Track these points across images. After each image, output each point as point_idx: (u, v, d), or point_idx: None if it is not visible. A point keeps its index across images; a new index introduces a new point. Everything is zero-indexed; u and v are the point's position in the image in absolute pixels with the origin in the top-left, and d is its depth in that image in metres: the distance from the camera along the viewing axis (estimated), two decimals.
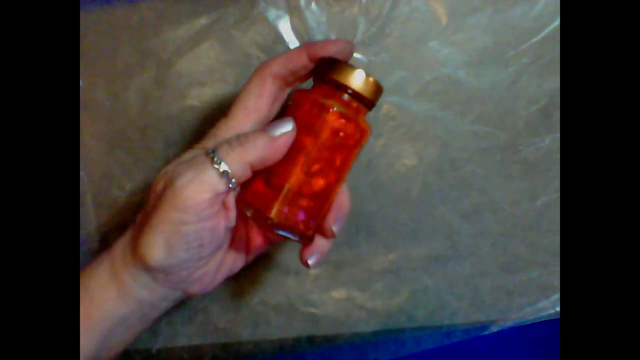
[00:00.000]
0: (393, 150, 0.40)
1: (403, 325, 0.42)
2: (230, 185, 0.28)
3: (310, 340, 0.41)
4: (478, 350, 0.43)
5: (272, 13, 0.38)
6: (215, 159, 0.28)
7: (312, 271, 0.41)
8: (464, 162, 0.40)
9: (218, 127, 0.31)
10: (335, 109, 0.28)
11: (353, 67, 0.29)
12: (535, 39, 0.39)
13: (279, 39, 0.38)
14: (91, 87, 0.39)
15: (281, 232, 0.29)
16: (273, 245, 0.36)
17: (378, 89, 0.30)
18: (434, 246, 0.41)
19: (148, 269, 0.28)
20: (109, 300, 0.29)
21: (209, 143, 0.30)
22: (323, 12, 0.38)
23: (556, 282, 0.41)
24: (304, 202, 0.29)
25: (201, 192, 0.27)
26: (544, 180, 0.40)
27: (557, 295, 0.41)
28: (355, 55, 0.38)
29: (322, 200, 0.30)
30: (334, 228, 0.31)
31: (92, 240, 0.41)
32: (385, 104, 0.39)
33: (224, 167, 0.28)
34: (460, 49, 0.39)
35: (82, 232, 0.41)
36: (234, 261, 0.34)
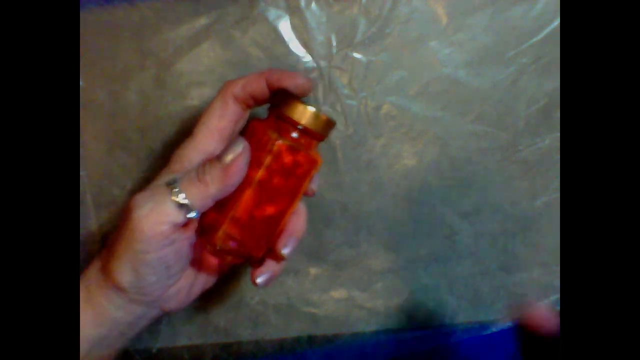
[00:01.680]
0: (393, 150, 0.40)
1: (403, 325, 0.42)
2: (190, 216, 0.28)
3: (310, 340, 0.41)
4: (478, 350, 0.43)
5: (272, 13, 0.38)
6: (176, 190, 0.28)
7: (312, 271, 0.41)
8: (464, 162, 0.40)
9: (183, 148, 0.31)
10: (281, 141, 0.29)
11: (304, 104, 0.29)
12: (535, 39, 0.39)
13: (279, 39, 0.38)
14: (91, 87, 0.39)
15: (229, 255, 0.31)
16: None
17: (329, 124, 0.30)
18: (434, 246, 0.41)
19: (121, 290, 0.29)
20: (85, 323, 0.29)
21: (176, 166, 0.31)
22: (323, 12, 0.38)
23: (556, 282, 0.41)
24: (251, 228, 0.30)
25: (159, 224, 0.27)
26: (544, 180, 0.40)
27: (557, 295, 0.41)
28: (355, 55, 0.38)
29: (271, 226, 0.31)
30: (284, 251, 0.32)
31: (93, 240, 0.41)
32: (385, 104, 0.39)
33: (183, 199, 0.28)
34: (460, 49, 0.39)
35: (82, 232, 0.41)
36: (208, 276, 0.34)
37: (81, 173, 0.40)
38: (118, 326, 0.30)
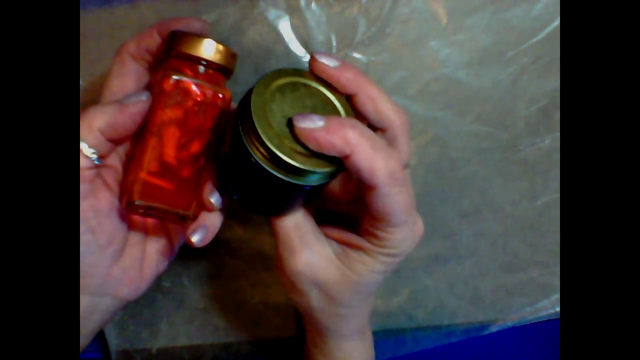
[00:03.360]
0: None
1: (403, 325, 0.42)
2: (92, 158, 0.26)
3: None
4: (478, 350, 0.43)
5: (272, 13, 0.38)
6: None
7: None
8: (464, 162, 0.40)
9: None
10: (176, 76, 0.28)
11: (197, 36, 0.28)
12: (535, 39, 0.39)
13: (279, 39, 0.38)
14: (91, 87, 0.39)
15: (154, 216, 0.29)
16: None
17: (230, 55, 0.29)
18: (434, 246, 0.41)
19: None
20: None
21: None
22: (323, 12, 0.38)
23: (556, 282, 0.41)
24: (169, 177, 0.28)
25: None
26: (544, 180, 0.40)
27: (557, 295, 0.41)
28: (355, 55, 0.38)
29: (192, 174, 0.29)
30: (212, 199, 0.29)
31: None
32: None
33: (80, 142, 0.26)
34: (460, 49, 0.39)
35: None
36: (160, 252, 0.32)
37: None
38: None
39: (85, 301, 0.28)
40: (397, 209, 0.26)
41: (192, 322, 0.41)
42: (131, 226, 0.31)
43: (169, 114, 0.28)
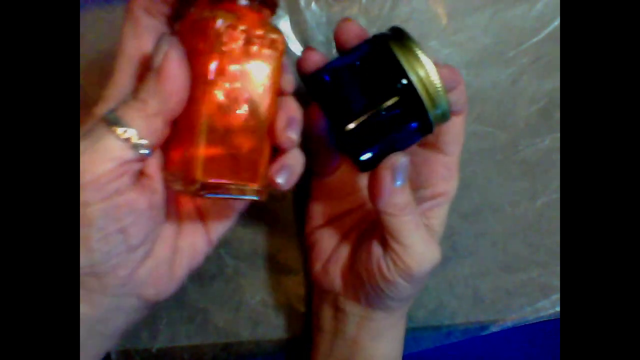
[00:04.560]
0: None
1: None
2: (142, 152, 0.23)
3: (311, 340, 0.41)
4: (478, 350, 0.43)
5: None
6: (113, 118, 0.23)
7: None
8: (464, 162, 0.40)
9: (106, 88, 0.26)
10: (221, 20, 0.23)
11: None
12: (535, 39, 0.39)
13: None
14: (91, 87, 0.39)
15: (219, 196, 0.24)
16: (237, 216, 0.31)
17: None
18: None
19: None
20: None
21: (100, 108, 0.26)
22: (323, 12, 0.38)
23: (556, 282, 0.41)
24: (231, 144, 0.24)
25: (100, 163, 0.22)
26: (544, 180, 0.40)
27: (557, 295, 0.41)
28: None
29: (255, 134, 0.25)
30: (289, 134, 0.25)
31: None
32: None
33: (126, 130, 0.23)
34: (460, 49, 0.39)
35: None
36: (193, 247, 0.28)
37: None
38: (87, 324, 0.25)
39: (105, 302, 0.25)
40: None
41: (192, 322, 0.41)
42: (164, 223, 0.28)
43: (215, 66, 0.23)
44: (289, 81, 0.27)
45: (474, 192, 0.40)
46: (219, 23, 0.23)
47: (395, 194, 0.28)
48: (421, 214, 0.32)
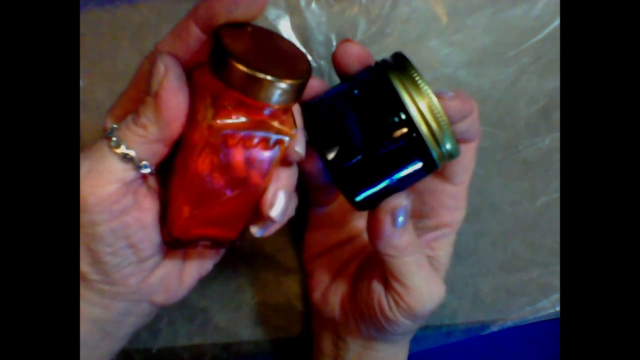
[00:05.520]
0: None
1: None
2: (144, 171, 0.23)
3: (311, 340, 0.41)
4: (478, 350, 0.43)
5: (272, 13, 0.38)
6: (115, 140, 0.23)
7: None
8: None
9: (115, 104, 0.25)
10: (218, 121, 0.20)
11: (256, 68, 0.20)
12: (535, 39, 0.39)
13: None
14: (91, 87, 0.39)
15: (194, 246, 0.25)
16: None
17: (295, 86, 0.21)
18: None
19: (86, 281, 0.24)
20: None
21: (108, 122, 0.25)
22: (323, 12, 0.38)
23: (556, 282, 0.41)
24: (216, 208, 0.24)
25: (104, 184, 0.22)
26: (544, 180, 0.40)
27: (557, 295, 0.41)
28: None
29: (241, 203, 0.24)
30: (272, 213, 0.25)
31: None
32: None
33: (126, 150, 0.23)
34: (460, 49, 0.39)
35: None
36: (202, 256, 0.29)
37: None
38: (99, 326, 0.26)
39: (118, 306, 0.26)
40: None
41: (192, 322, 0.41)
42: None
43: (205, 163, 0.22)
44: (295, 154, 0.25)
45: (474, 192, 0.40)
46: (221, 135, 0.21)
47: (396, 236, 0.26)
48: (425, 245, 0.31)
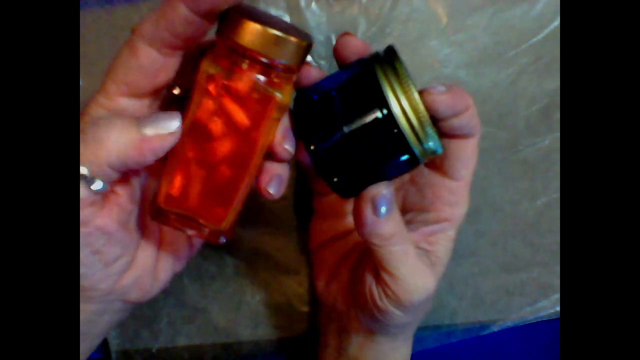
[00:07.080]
0: None
1: None
2: (97, 189, 0.22)
3: (311, 339, 0.41)
4: (478, 350, 0.43)
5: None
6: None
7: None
8: None
9: (89, 105, 0.25)
10: (212, 69, 0.23)
11: (251, 21, 0.22)
12: (535, 39, 0.39)
13: None
14: (91, 87, 0.39)
15: (179, 228, 0.25)
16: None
17: (295, 47, 0.23)
18: None
19: None
20: None
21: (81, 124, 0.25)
22: (323, 12, 0.38)
23: (556, 282, 0.41)
24: (205, 181, 0.24)
25: None
26: (544, 180, 0.40)
27: (557, 295, 0.41)
28: None
29: (233, 171, 0.25)
30: (287, 146, 0.26)
31: None
32: None
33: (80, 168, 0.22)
34: (460, 49, 0.39)
35: None
36: (176, 253, 0.29)
37: None
38: None
39: (92, 307, 0.26)
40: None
41: (192, 322, 0.41)
42: (145, 232, 0.29)
43: (201, 114, 0.24)
44: (281, 147, 0.26)
45: (474, 192, 0.40)
46: (208, 75, 0.23)
47: (379, 225, 0.27)
48: (423, 238, 0.31)
